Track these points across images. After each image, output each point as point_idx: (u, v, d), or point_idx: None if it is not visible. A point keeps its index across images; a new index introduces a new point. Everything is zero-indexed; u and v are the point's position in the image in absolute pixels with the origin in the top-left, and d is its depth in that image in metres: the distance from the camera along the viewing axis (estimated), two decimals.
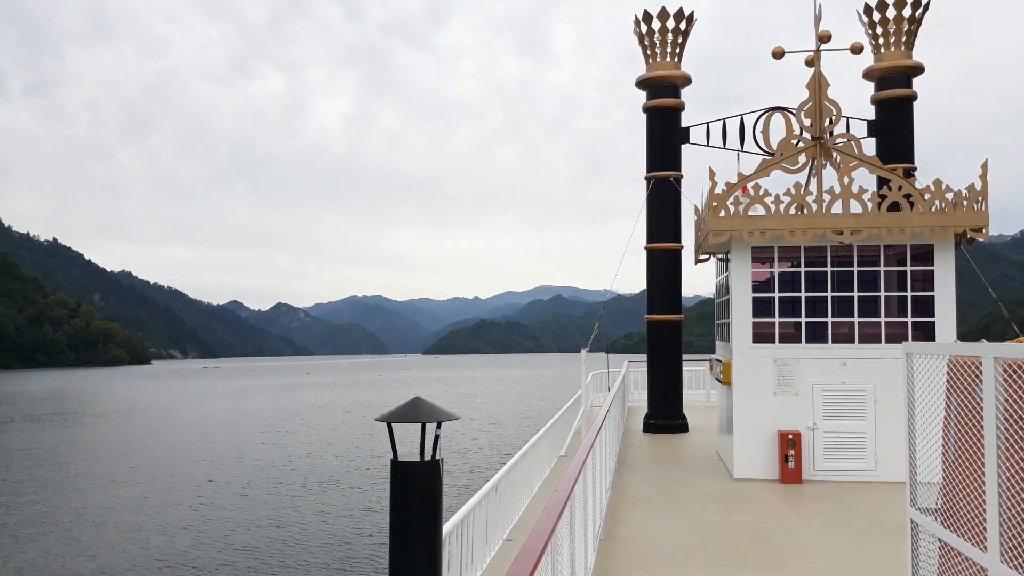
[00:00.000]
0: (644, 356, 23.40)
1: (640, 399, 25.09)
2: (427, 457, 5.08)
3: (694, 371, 27.49)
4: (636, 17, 22.40)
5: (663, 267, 22.18)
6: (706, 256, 18.29)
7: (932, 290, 14.97)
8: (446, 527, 7.12)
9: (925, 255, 15.15)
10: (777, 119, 18.48)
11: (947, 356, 5.90)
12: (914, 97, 21.43)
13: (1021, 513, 4.62)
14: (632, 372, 27.55)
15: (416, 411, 5.09)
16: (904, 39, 21.25)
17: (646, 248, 22.55)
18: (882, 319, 15.09)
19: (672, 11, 21.98)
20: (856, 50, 17.40)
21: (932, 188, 14.94)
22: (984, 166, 15.01)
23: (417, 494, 4.95)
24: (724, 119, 21.77)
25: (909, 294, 15.14)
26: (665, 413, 21.70)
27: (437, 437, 5.09)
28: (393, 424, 5.25)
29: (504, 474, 10.43)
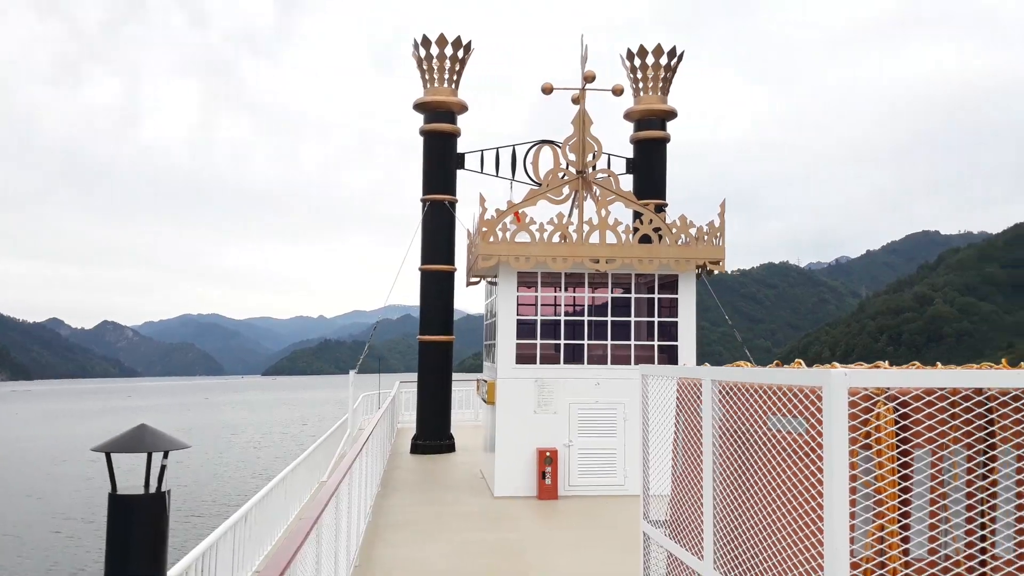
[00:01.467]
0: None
1: (412, 420, 25.06)
2: (152, 489, 4.67)
3: (465, 391, 27.91)
4: (415, 41, 22.60)
5: (436, 288, 22.37)
6: (476, 279, 18.69)
7: (676, 316, 16.28)
8: (180, 565, 6.58)
9: (671, 284, 16.46)
10: (546, 152, 19.33)
11: (676, 377, 6.37)
12: (667, 139, 23.35)
13: (731, 522, 5.06)
14: (404, 392, 27.46)
15: (140, 440, 4.67)
16: (661, 85, 23.14)
17: (420, 269, 22.65)
18: (632, 342, 16.18)
19: (451, 38, 22.41)
20: (617, 92, 18.65)
21: (679, 223, 16.31)
22: (722, 206, 16.61)
23: (138, 530, 4.53)
24: (498, 148, 22.49)
25: (656, 319, 16.38)
26: (433, 434, 21.79)
27: (164, 467, 4.70)
28: (116, 454, 4.78)
29: (256, 503, 9.91)
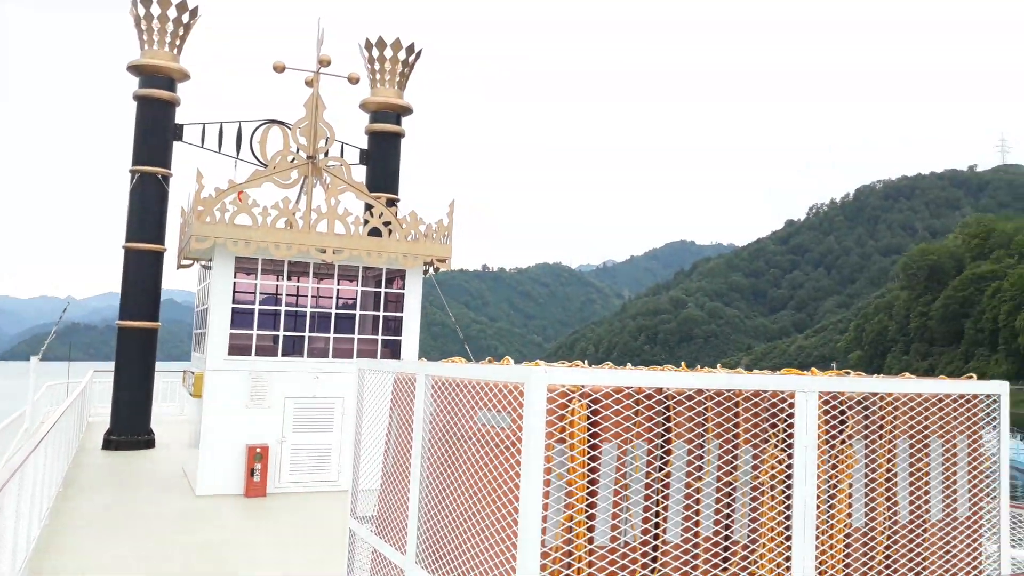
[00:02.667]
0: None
1: (106, 413, 22.72)
2: None
3: (170, 383, 25.89)
4: None
5: (142, 269, 20.48)
6: (189, 262, 17.39)
7: (402, 311, 16.33)
8: None
9: (399, 279, 16.48)
10: (275, 132, 18.48)
11: (393, 373, 6.32)
12: (403, 134, 23.39)
13: (436, 516, 5.09)
14: (99, 383, 24.87)
15: None
16: (398, 80, 23.12)
17: (124, 247, 20.62)
18: (356, 336, 15.96)
19: (175, 1, 20.66)
20: (353, 80, 18.32)
21: (409, 219, 16.37)
22: (451, 206, 16.95)
23: None
24: (222, 123, 21.11)
25: (382, 313, 16.31)
26: (129, 428, 19.93)
27: None
28: None
29: None
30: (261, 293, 15.57)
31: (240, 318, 15.21)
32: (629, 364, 5.09)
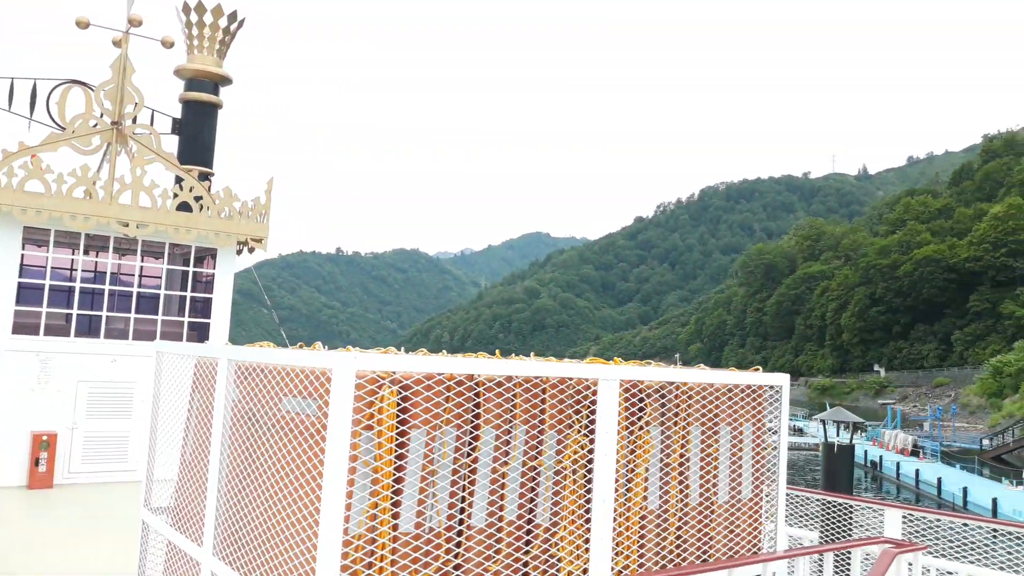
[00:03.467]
0: None
1: None
2: None
3: None
4: None
5: None
6: None
7: (212, 292, 15.50)
8: None
9: (209, 258, 15.63)
10: (76, 93, 16.94)
11: (195, 357, 5.97)
12: (220, 105, 22.16)
13: (236, 506, 4.86)
14: None
15: None
16: (217, 47, 21.86)
17: None
18: (160, 317, 14.99)
19: None
20: (167, 44, 17.16)
21: (223, 195, 15.55)
22: (270, 183, 16.27)
23: None
24: (13, 79, 19.08)
25: (189, 294, 15.41)
26: None
27: None
28: None
29: None
30: (53, 268, 14.27)
31: (28, 294, 13.86)
32: (483, 352, 5.07)
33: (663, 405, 4.63)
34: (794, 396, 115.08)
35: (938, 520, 7.04)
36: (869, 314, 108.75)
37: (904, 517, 6.43)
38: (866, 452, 49.48)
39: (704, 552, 4.65)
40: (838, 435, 18.07)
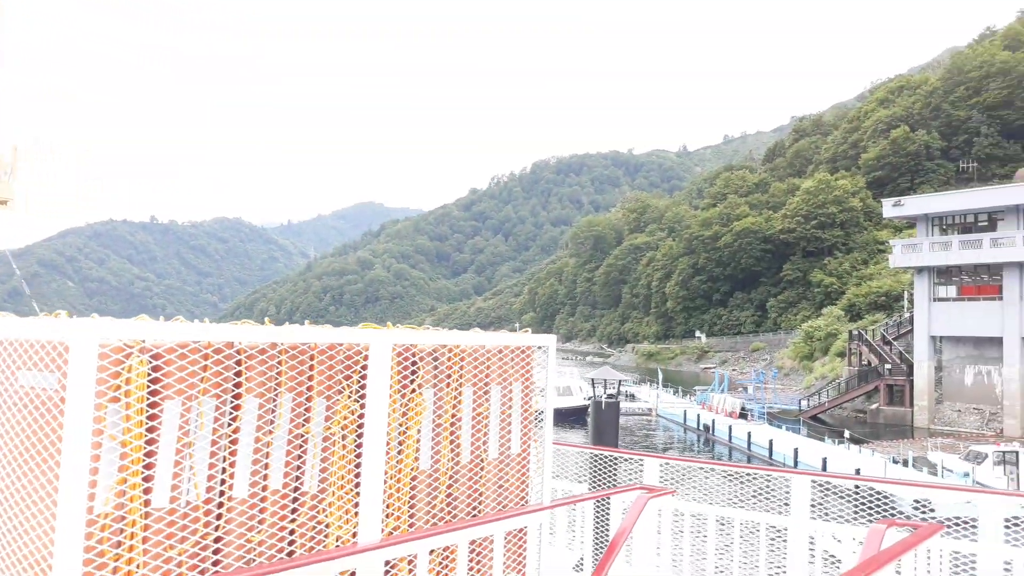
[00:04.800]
0: None
1: None
2: None
3: None
4: None
5: None
6: None
7: None
8: None
9: None
10: None
11: None
12: None
13: None
14: None
15: None
16: None
17: None
18: None
19: None
20: None
21: None
22: (14, 147, 14.97)
23: None
24: None
25: None
26: None
27: None
28: None
29: None
30: None
31: None
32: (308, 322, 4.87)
33: (436, 367, 4.69)
34: (622, 362, 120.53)
35: (695, 467, 7.83)
36: (692, 283, 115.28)
37: (661, 466, 6.89)
38: (699, 416, 52.16)
39: (474, 508, 4.78)
40: (605, 393, 19.14)
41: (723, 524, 6.72)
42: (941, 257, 49.88)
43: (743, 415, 51.51)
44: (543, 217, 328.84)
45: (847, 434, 40.46)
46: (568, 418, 53.04)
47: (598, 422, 17.53)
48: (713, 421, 48.87)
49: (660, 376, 66.38)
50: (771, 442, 39.28)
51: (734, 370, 77.89)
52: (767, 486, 7.44)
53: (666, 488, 6.03)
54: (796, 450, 36.13)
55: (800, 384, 70.13)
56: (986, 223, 49.39)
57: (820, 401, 58.74)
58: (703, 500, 7.41)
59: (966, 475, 29.45)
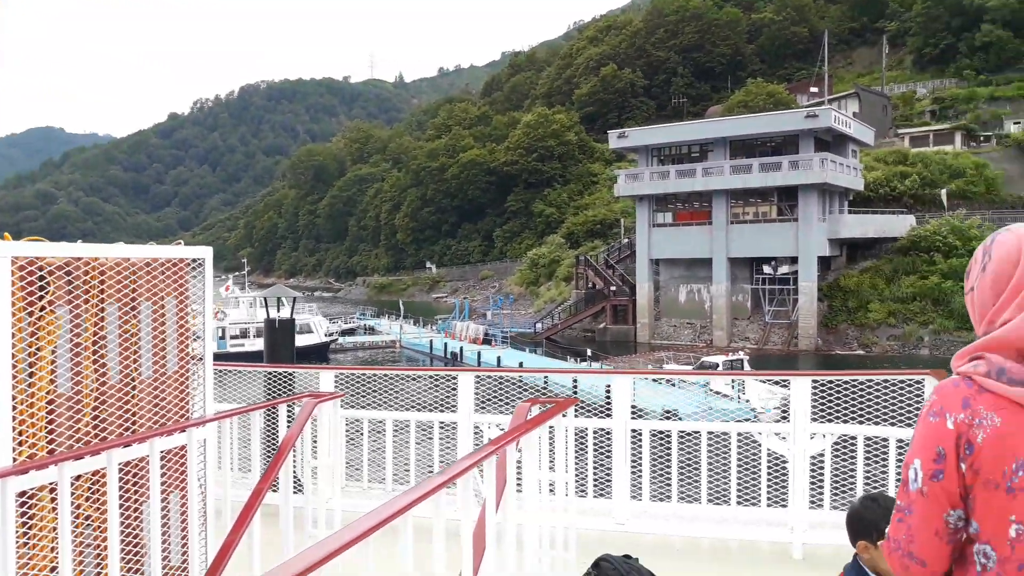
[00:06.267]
0: None
1: None
2: None
3: None
4: None
5: None
6: None
7: None
8: None
9: None
10: None
11: None
12: None
13: None
14: None
15: None
16: None
17: None
18: None
19: None
20: None
21: None
22: None
23: None
24: None
25: None
26: None
27: None
28: None
29: None
30: None
31: None
32: None
33: (71, 283, 4.36)
34: (354, 296, 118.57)
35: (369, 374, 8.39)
36: (421, 214, 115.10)
37: (336, 376, 7.31)
38: (446, 344, 52.03)
39: (128, 428, 4.59)
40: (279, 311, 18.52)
41: (400, 426, 7.34)
42: (660, 186, 53.84)
43: (487, 341, 52.60)
44: (255, 146, 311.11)
45: (589, 352, 42.72)
46: (308, 357, 50.65)
47: (272, 342, 16.85)
48: (461, 348, 49.31)
49: (402, 308, 65.69)
50: (520, 364, 40.36)
51: (466, 298, 79.26)
52: (448, 385, 7.96)
53: (336, 392, 6.38)
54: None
55: (531, 308, 73.23)
56: (698, 154, 54.06)
57: (553, 323, 61.76)
58: (386, 407, 8.29)
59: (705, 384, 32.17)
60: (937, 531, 1.88)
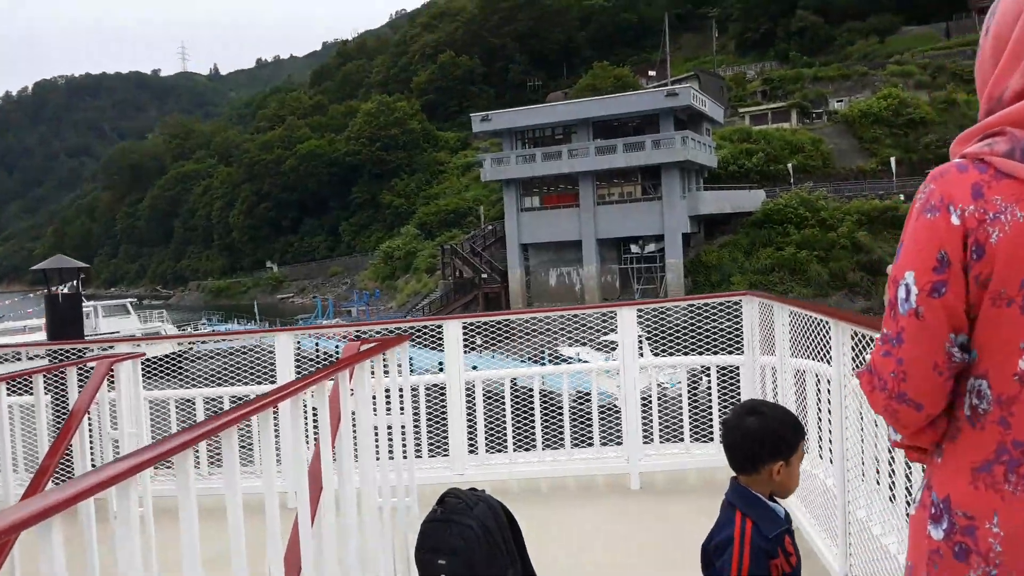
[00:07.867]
0: None
1: None
2: None
3: None
4: None
5: None
6: None
7: None
8: None
9: None
10: None
11: None
12: None
13: None
14: None
15: None
16: None
17: None
18: None
19: None
20: None
21: None
22: None
23: None
24: None
25: None
26: None
27: None
28: None
29: None
30: None
31: None
32: None
33: None
34: (189, 302, 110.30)
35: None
36: (257, 211, 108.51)
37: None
38: (316, 344, 49.19)
39: None
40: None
41: (214, 401, 7.10)
42: (527, 169, 53.40)
43: (357, 337, 50.18)
44: (57, 147, 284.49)
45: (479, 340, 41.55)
46: (163, 369, 46.16)
47: (55, 317, 14.51)
48: (337, 347, 46.68)
49: (257, 309, 61.61)
50: (410, 360, 38.73)
51: (326, 296, 75.56)
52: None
53: (134, 352, 5.76)
54: (440, 363, 36.04)
55: (391, 303, 70.96)
56: (562, 136, 54.05)
57: (425, 315, 60.03)
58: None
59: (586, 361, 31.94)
60: (936, 364, 1.47)
